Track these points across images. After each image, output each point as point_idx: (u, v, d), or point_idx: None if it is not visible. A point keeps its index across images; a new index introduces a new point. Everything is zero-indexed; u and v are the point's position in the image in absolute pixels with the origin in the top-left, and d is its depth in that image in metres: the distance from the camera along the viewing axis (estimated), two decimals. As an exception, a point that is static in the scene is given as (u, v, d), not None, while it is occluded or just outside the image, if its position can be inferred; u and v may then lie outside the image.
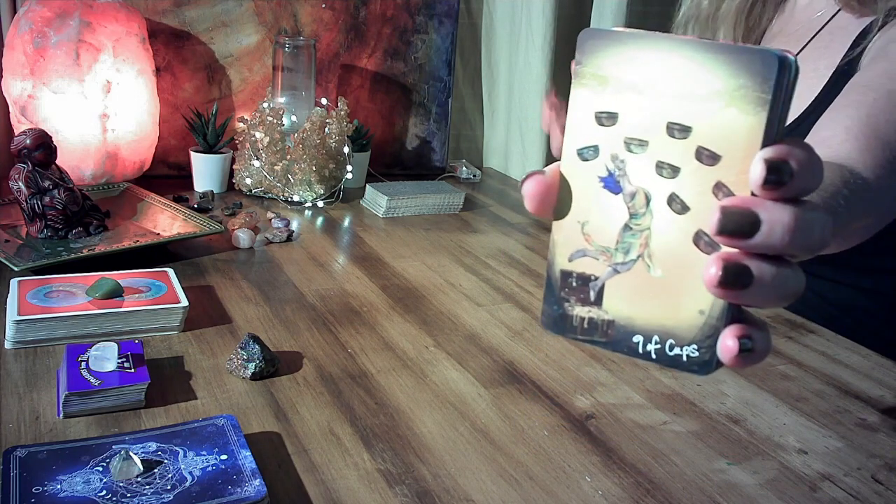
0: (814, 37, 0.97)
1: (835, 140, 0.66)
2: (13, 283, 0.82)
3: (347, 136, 1.35)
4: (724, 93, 0.32)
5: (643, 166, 0.35)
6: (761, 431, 0.71)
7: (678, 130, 0.34)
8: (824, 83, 0.92)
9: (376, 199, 1.31)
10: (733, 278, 0.32)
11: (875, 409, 0.76)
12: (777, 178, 0.31)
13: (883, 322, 0.98)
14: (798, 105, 0.93)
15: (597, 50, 0.35)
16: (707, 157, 0.33)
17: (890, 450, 0.69)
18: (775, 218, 0.31)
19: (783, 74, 0.31)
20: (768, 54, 0.31)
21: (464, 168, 1.59)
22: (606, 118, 0.35)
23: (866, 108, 0.70)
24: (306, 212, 1.28)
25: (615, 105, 0.35)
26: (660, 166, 0.34)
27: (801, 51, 0.97)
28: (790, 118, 0.64)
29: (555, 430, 0.69)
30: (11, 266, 0.88)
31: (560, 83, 1.66)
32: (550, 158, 1.66)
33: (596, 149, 0.36)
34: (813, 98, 0.92)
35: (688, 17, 1.08)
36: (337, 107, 1.35)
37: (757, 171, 0.31)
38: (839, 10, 0.95)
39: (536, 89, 1.61)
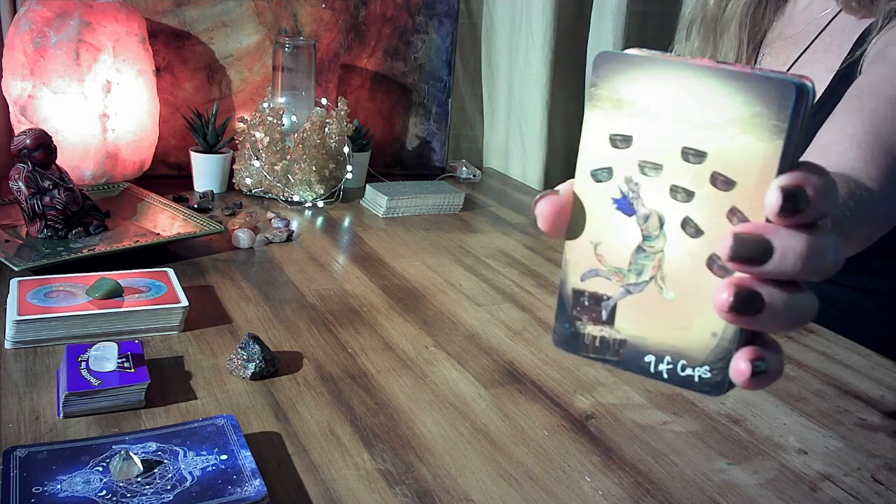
0: (814, 40, 0.97)
1: (838, 148, 0.66)
2: (13, 283, 0.82)
3: (347, 136, 1.35)
4: (740, 120, 0.32)
5: (657, 189, 0.35)
6: (761, 431, 0.71)
7: (693, 155, 0.34)
8: (825, 87, 0.92)
9: (376, 199, 1.31)
10: (744, 304, 0.32)
11: (875, 409, 0.76)
12: (793, 206, 0.31)
13: (883, 322, 0.98)
14: None
15: (613, 73, 0.35)
16: (722, 182, 0.33)
17: (890, 450, 0.69)
18: (788, 245, 0.31)
19: (800, 102, 0.31)
20: (786, 83, 0.31)
21: (464, 168, 1.59)
22: (621, 141, 0.35)
23: (868, 114, 0.70)
24: (306, 212, 1.28)
25: (630, 128, 0.35)
26: (674, 190, 0.34)
27: (801, 55, 0.97)
28: None
29: (555, 430, 0.69)
30: (11, 266, 0.88)
31: (560, 83, 1.66)
32: (550, 158, 1.66)
33: (610, 171, 0.36)
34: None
35: (692, 17, 1.07)
36: (337, 107, 1.35)
37: (773, 199, 0.31)
38: (839, 12, 0.95)
39: (536, 89, 1.61)
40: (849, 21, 0.94)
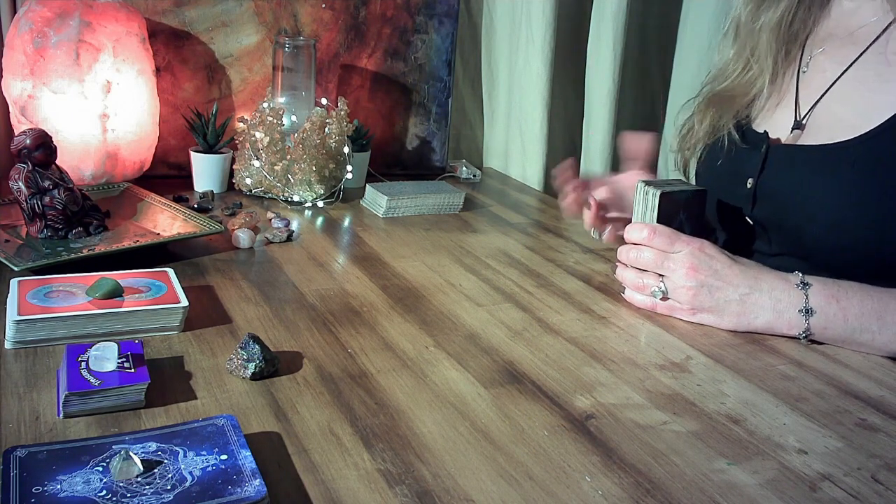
0: (874, 42, 0.95)
1: None
2: (13, 283, 0.82)
3: (347, 136, 1.35)
4: None
5: None
6: (761, 431, 0.71)
7: None
8: None
9: (376, 199, 1.31)
10: None
11: (875, 409, 0.76)
12: None
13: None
14: (884, 112, 0.91)
15: None
16: None
17: (890, 450, 0.69)
18: None
19: None
20: None
21: (464, 168, 1.59)
22: None
23: None
24: (306, 212, 1.29)
25: None
26: None
27: (862, 53, 0.96)
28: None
29: (555, 430, 0.69)
30: (11, 266, 0.88)
31: (560, 83, 1.66)
32: (550, 158, 1.66)
33: None
34: None
35: (730, 23, 1.10)
36: (337, 107, 1.35)
37: None
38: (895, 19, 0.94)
39: (536, 89, 1.61)
40: None
